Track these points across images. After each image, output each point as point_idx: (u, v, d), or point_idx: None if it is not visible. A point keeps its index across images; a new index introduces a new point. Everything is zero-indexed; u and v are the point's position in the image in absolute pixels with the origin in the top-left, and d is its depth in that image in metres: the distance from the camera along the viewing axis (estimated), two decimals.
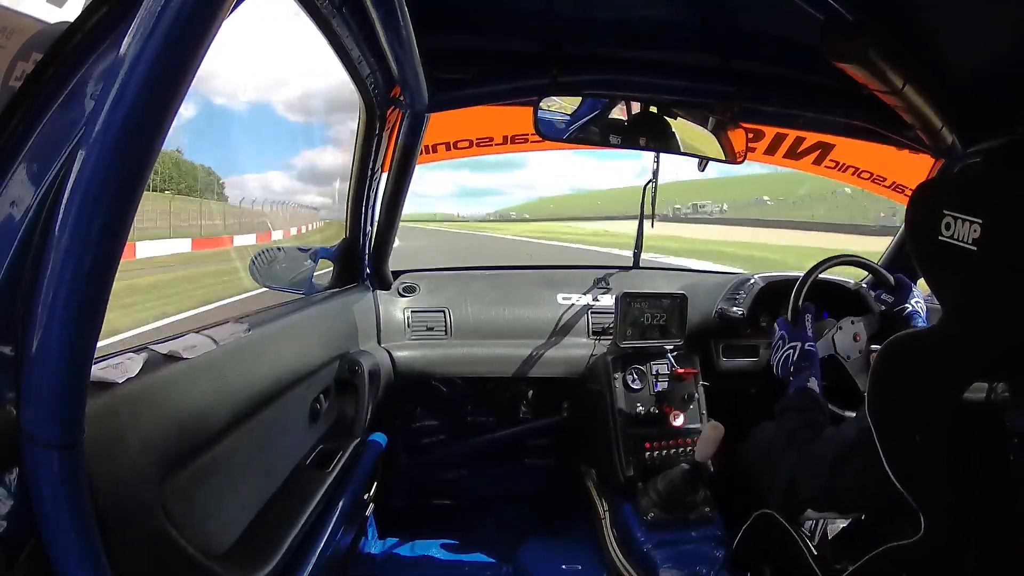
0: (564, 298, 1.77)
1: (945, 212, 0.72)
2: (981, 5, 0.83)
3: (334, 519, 1.14)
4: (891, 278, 1.45)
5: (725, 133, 1.51)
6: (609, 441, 1.45)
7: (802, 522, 0.96)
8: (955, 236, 0.71)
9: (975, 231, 0.69)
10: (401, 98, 1.41)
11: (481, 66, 1.42)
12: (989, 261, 0.69)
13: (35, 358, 0.48)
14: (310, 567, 1.01)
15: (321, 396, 1.23)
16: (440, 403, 1.84)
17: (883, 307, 1.48)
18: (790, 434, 0.97)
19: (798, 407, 1.05)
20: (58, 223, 0.47)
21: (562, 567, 1.46)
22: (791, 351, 1.21)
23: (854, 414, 1.30)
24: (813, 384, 1.11)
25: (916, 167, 1.76)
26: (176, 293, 8.36)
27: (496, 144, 2.09)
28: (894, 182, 2.10)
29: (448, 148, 2.08)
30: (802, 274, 1.41)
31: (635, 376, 1.49)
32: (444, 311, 1.71)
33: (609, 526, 1.43)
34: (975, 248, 0.69)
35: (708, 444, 1.20)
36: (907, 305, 1.39)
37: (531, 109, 1.36)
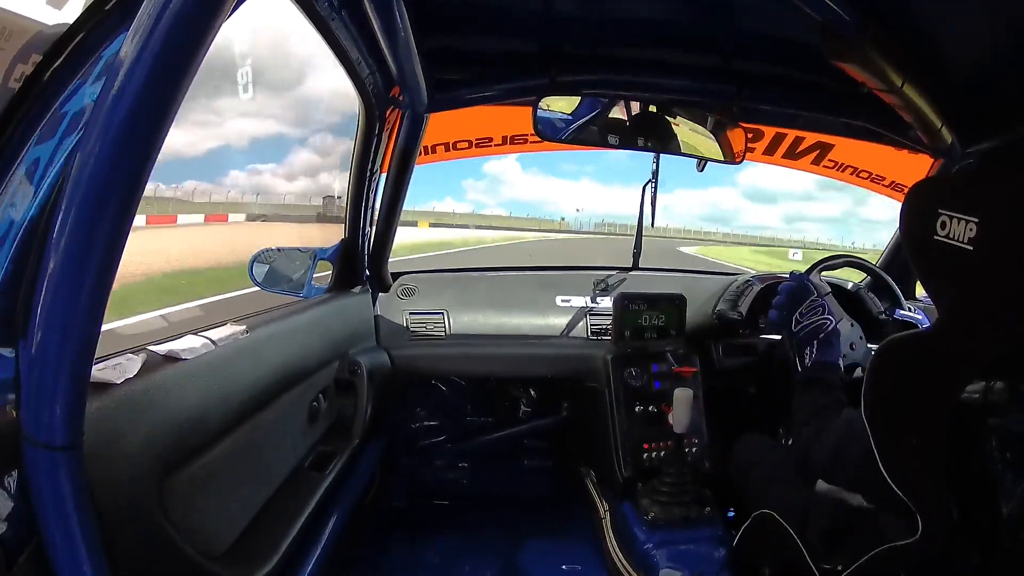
0: (563, 300, 1.77)
1: (941, 211, 0.72)
2: (981, 5, 0.83)
3: (333, 519, 1.14)
4: (893, 284, 1.47)
5: (724, 133, 1.51)
6: (608, 441, 1.44)
7: (816, 498, 0.98)
8: (951, 235, 0.71)
9: (971, 230, 0.68)
10: (400, 98, 1.41)
11: (480, 66, 1.42)
12: (985, 261, 0.69)
13: (35, 359, 0.48)
14: (310, 567, 1.01)
15: (320, 396, 1.23)
16: (440, 403, 1.84)
17: (883, 314, 1.49)
18: (817, 408, 1.01)
19: (830, 383, 1.07)
20: (58, 223, 0.47)
21: (562, 567, 1.45)
22: (827, 322, 1.16)
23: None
24: (841, 363, 1.14)
25: (914, 167, 1.77)
26: None
27: (496, 145, 2.10)
28: (892, 181, 2.12)
29: (447, 149, 2.09)
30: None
31: (634, 375, 1.49)
32: (443, 313, 1.71)
33: (609, 526, 1.42)
34: (971, 248, 0.69)
35: (682, 407, 1.20)
36: (905, 312, 1.42)
37: (530, 109, 1.36)
